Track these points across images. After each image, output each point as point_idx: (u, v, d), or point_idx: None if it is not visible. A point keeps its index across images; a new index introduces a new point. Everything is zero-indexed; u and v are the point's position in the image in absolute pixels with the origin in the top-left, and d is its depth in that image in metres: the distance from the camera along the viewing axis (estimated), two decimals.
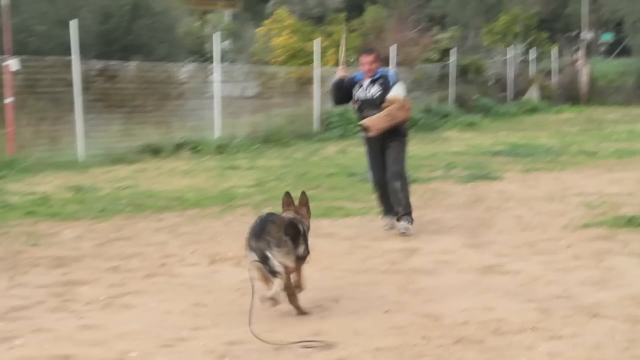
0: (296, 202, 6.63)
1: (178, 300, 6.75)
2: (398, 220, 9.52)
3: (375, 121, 9.34)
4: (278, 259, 5.92)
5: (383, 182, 9.63)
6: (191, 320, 6.22)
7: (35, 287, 7.21)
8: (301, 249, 6.16)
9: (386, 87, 9.34)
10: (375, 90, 9.41)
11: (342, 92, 9.66)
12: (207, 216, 10.66)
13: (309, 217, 6.63)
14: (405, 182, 9.57)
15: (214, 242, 9.05)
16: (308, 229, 6.46)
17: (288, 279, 6.07)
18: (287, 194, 6.72)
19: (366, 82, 9.47)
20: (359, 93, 9.52)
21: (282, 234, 6.02)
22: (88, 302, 6.73)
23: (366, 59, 9.45)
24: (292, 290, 6.17)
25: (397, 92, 9.36)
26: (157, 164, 15.91)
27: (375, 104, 9.37)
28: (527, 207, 11.13)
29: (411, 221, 9.48)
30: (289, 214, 6.44)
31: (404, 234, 9.34)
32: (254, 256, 5.99)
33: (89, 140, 16.83)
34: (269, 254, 5.92)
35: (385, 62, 26.41)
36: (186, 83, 21.06)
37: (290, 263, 6.02)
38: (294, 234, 6.13)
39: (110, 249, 8.77)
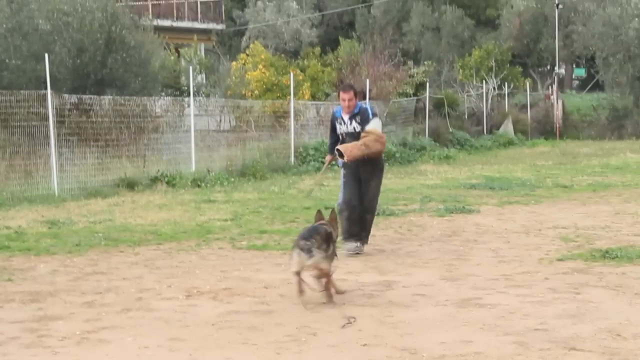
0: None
1: (154, 335, 6.71)
2: (359, 242, 10.30)
3: (350, 148, 9.99)
4: (318, 257, 7.61)
5: (352, 205, 10.29)
6: (168, 355, 6.19)
7: (9, 322, 7.14)
8: (331, 251, 7.89)
9: (364, 120, 10.13)
10: (355, 124, 10.20)
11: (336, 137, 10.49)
12: (183, 250, 10.63)
13: (337, 230, 8.47)
14: (374, 215, 10.60)
15: (190, 276, 9.02)
16: (336, 237, 8.29)
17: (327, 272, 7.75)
18: (319, 212, 8.48)
19: (346, 117, 10.29)
20: (342, 128, 10.34)
21: (323, 241, 7.74)
22: (63, 337, 6.68)
23: (345, 95, 10.19)
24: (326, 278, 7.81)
25: (374, 125, 10.07)
26: (132, 198, 15.86)
27: (355, 137, 10.13)
28: (503, 240, 11.19)
29: (362, 249, 10.33)
30: (326, 227, 8.05)
31: (356, 254, 10.12)
32: (299, 252, 7.60)
33: (64, 174, 16.77)
34: (314, 251, 7.59)
35: (360, 96, 26.62)
36: (161, 117, 21.06)
37: (325, 264, 7.71)
38: (329, 242, 7.87)
39: (86, 283, 8.71)
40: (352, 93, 10.19)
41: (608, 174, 19.89)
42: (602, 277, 8.73)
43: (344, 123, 10.27)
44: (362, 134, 10.07)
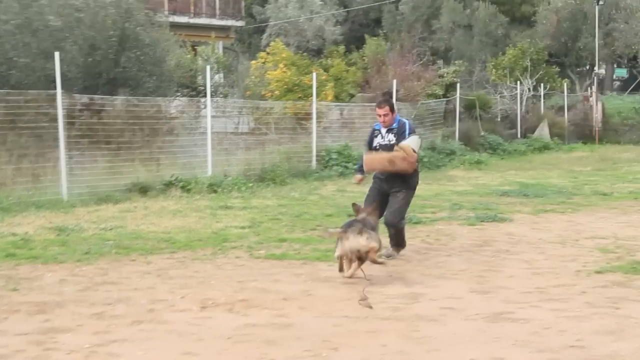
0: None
1: (167, 349, 6.72)
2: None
3: (372, 158, 10.39)
4: (372, 237, 9.26)
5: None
6: None
7: (15, 334, 7.18)
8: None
9: (400, 135, 10.45)
10: (391, 136, 10.54)
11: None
12: (198, 259, 10.64)
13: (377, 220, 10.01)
14: (398, 230, 10.64)
15: (205, 287, 9.03)
16: (377, 226, 9.78)
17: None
18: (354, 204, 10.08)
19: (384, 130, 10.63)
20: (378, 140, 10.69)
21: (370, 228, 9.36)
22: (71, 350, 6.70)
23: (380, 111, 10.54)
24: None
25: (409, 142, 10.36)
26: (145, 204, 15.90)
27: (389, 149, 10.46)
28: (538, 251, 11.14)
29: (396, 253, 10.72)
30: (370, 217, 9.74)
31: (387, 258, 10.49)
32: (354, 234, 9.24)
33: (73, 179, 16.84)
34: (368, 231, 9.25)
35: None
36: (176, 118, 21.13)
37: (375, 243, 9.28)
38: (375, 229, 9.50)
39: (95, 294, 8.74)
40: (387, 108, 10.50)
41: None
42: None
43: (381, 135, 10.64)
44: (395, 148, 10.33)
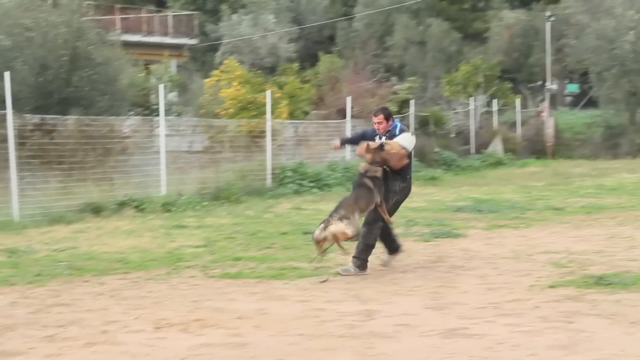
0: None
1: None
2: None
3: (365, 146, 10.87)
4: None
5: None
6: None
7: None
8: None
9: (392, 136, 10.93)
10: (384, 139, 10.98)
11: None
12: (152, 279, 10.59)
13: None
14: (366, 231, 10.83)
15: (159, 307, 8.98)
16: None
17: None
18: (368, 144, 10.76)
19: (382, 135, 11.11)
20: (375, 140, 11.08)
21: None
22: None
23: (375, 119, 11.14)
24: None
25: (398, 139, 10.85)
26: (98, 224, 15.79)
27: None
28: (492, 267, 11.22)
29: (356, 267, 10.79)
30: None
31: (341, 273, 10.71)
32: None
33: (25, 200, 16.68)
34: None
35: (340, 114, 26.69)
36: (129, 137, 21.02)
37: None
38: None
39: (47, 316, 8.66)
40: (381, 116, 11.06)
41: (602, 196, 19.99)
42: (595, 304, 8.76)
43: (378, 137, 11.09)
44: (384, 143, 10.82)
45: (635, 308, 8.57)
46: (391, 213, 11.13)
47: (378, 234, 10.96)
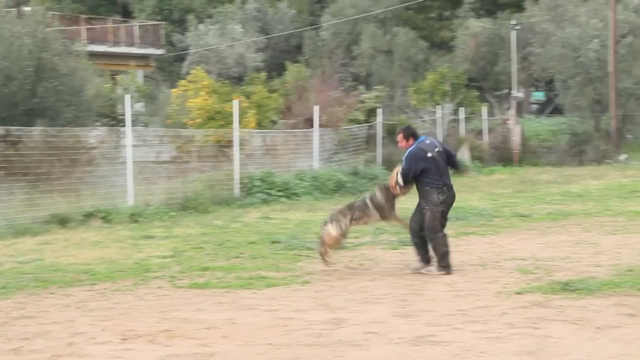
0: None
1: None
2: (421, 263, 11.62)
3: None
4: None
5: (411, 229, 11.65)
6: None
7: None
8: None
9: (402, 161, 11.59)
10: None
11: None
12: (119, 290, 10.53)
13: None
14: (431, 241, 11.41)
15: (126, 318, 8.93)
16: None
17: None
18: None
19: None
20: None
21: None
22: None
23: (397, 137, 11.85)
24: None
25: (398, 167, 11.58)
26: (64, 235, 15.67)
27: None
28: (459, 274, 11.27)
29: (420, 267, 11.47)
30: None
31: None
32: None
33: None
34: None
35: (308, 123, 26.70)
36: (96, 148, 20.91)
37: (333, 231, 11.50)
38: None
39: (12, 328, 8.59)
40: (400, 135, 11.70)
41: (568, 202, 20.12)
42: (562, 310, 8.82)
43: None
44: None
45: (601, 313, 8.65)
46: (440, 223, 11.44)
47: (442, 240, 11.36)
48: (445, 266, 11.31)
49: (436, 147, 11.56)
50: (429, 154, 11.37)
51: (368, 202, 11.92)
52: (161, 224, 17.34)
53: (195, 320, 8.78)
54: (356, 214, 11.85)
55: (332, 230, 11.60)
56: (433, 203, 11.38)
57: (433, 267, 11.40)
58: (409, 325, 8.37)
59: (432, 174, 11.33)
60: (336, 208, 11.93)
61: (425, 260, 11.50)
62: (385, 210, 11.81)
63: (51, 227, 16.62)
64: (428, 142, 11.64)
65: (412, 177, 11.40)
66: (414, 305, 9.36)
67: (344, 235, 11.80)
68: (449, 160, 11.72)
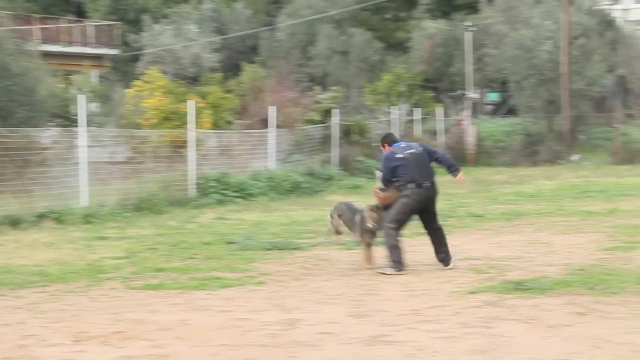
0: None
1: None
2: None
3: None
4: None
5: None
6: None
7: None
8: None
9: None
10: None
11: None
12: (72, 291, 10.43)
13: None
14: (386, 236, 11.65)
15: (78, 320, 8.85)
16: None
17: None
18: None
19: None
20: None
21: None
22: None
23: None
24: None
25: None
26: (16, 237, 15.50)
27: None
28: (414, 274, 11.32)
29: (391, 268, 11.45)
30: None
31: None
32: None
33: None
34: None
35: (264, 124, 26.66)
36: (49, 149, 20.69)
37: None
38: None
39: None
40: (380, 144, 12.37)
41: (522, 202, 20.31)
42: (514, 309, 8.90)
43: None
44: None
45: (552, 312, 8.74)
46: (396, 215, 11.67)
47: (393, 233, 11.57)
48: (395, 261, 11.43)
49: (410, 150, 11.83)
50: (398, 155, 11.71)
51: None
52: (115, 224, 17.22)
53: (149, 321, 8.73)
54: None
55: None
56: (403, 194, 11.64)
57: (388, 267, 11.46)
58: (363, 325, 8.39)
59: (401, 172, 11.64)
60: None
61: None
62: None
63: (3, 228, 16.42)
64: (403, 145, 11.99)
65: (390, 179, 11.75)
66: (368, 305, 9.39)
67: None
68: (432, 158, 11.95)
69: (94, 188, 19.44)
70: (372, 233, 11.90)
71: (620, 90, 43.86)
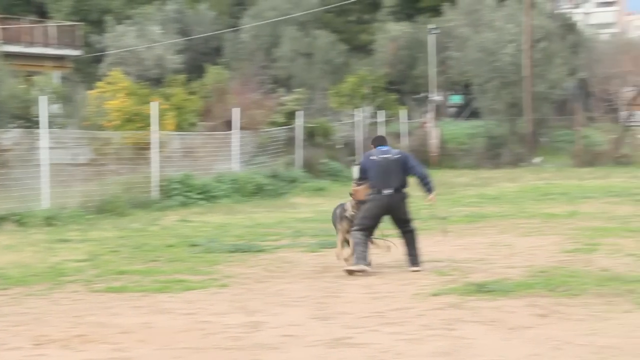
0: None
1: None
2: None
3: None
4: None
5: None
6: None
7: None
8: None
9: None
10: None
11: None
12: (32, 295, 10.34)
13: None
14: (351, 236, 11.85)
15: (39, 323, 8.78)
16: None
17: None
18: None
19: None
20: None
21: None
22: None
23: None
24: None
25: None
26: None
27: None
28: (377, 276, 11.34)
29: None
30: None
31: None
32: None
33: None
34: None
35: (228, 126, 26.60)
36: (10, 150, 20.50)
37: None
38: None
39: None
40: (371, 143, 12.63)
41: (484, 205, 20.43)
42: (476, 311, 8.94)
43: None
44: None
45: (514, 314, 8.79)
46: (361, 218, 11.85)
47: (355, 236, 11.74)
48: (357, 257, 11.55)
49: (386, 155, 11.97)
50: (372, 158, 11.98)
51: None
52: (77, 227, 17.10)
53: (111, 324, 8.67)
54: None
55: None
56: (367, 198, 11.85)
57: (368, 267, 11.60)
58: (326, 328, 8.39)
59: (369, 174, 11.87)
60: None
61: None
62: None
63: None
64: (384, 149, 12.10)
65: (360, 177, 12.05)
66: (331, 307, 9.39)
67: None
68: (408, 170, 12.04)
69: (55, 190, 19.30)
70: (349, 221, 11.96)
71: (582, 94, 44.27)
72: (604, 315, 8.65)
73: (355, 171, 12.86)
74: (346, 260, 11.86)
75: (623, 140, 35.36)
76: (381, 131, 36.25)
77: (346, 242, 12.07)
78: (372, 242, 12.05)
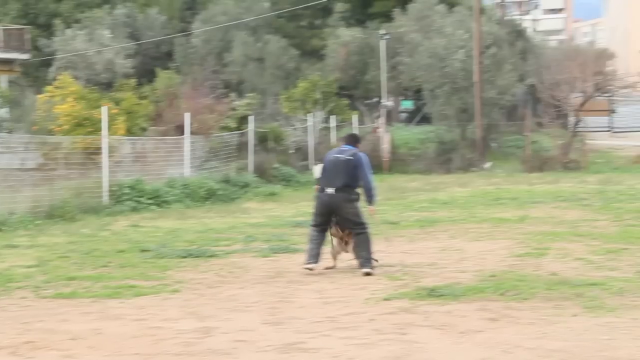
0: None
1: None
2: None
3: None
4: None
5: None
6: None
7: None
8: None
9: None
10: None
11: None
12: None
13: None
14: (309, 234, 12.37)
15: None
16: None
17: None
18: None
19: None
20: None
21: None
22: None
23: None
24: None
25: None
26: None
27: None
28: (329, 281, 11.36)
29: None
30: None
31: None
32: None
33: None
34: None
35: (179, 130, 26.48)
36: None
37: None
38: None
39: None
40: None
41: (435, 210, 20.53)
42: (428, 316, 9.00)
43: None
44: None
45: (465, 318, 8.86)
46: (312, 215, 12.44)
47: (311, 233, 12.27)
48: (309, 256, 12.00)
49: (338, 155, 12.19)
50: (327, 156, 12.41)
51: None
52: (26, 232, 16.90)
53: (60, 330, 8.59)
54: None
55: None
56: None
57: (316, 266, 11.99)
58: (278, 333, 8.39)
59: (322, 171, 12.20)
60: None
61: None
62: None
63: None
64: (344, 148, 12.37)
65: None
66: (283, 312, 9.39)
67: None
68: (356, 175, 12.11)
69: (3, 195, 19.08)
70: (336, 224, 12.26)
71: (531, 99, 44.74)
72: (553, 319, 8.76)
73: (316, 170, 13.05)
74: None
75: (571, 145, 35.73)
76: (332, 136, 36.43)
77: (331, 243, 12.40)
78: (346, 243, 12.20)
